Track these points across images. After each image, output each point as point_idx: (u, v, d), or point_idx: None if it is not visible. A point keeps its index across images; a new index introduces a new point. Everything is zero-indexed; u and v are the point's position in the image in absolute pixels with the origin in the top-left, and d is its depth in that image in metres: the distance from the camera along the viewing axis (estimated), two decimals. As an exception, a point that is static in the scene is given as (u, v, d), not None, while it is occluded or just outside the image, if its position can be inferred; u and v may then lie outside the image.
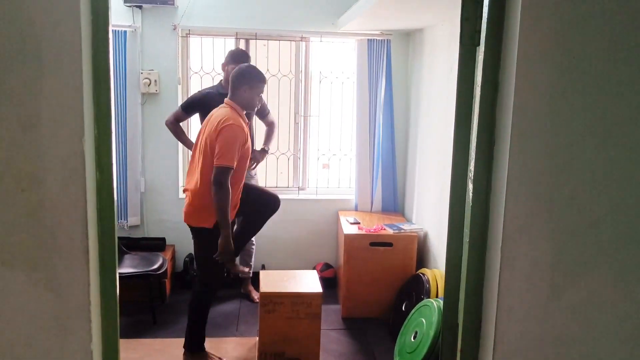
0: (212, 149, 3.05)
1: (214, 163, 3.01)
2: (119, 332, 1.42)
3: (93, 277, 1.30)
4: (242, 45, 4.48)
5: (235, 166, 3.03)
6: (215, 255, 3.09)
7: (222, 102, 3.42)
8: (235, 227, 3.49)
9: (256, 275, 3.91)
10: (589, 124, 1.28)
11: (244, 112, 3.21)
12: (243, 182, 3.24)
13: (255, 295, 4.15)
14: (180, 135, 3.96)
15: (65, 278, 1.27)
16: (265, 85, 3.26)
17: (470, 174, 1.39)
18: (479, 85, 1.34)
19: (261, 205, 3.45)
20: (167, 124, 3.92)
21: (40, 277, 1.27)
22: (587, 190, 1.31)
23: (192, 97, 3.95)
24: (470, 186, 1.39)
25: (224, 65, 3.92)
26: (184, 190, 3.28)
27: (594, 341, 1.35)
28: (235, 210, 3.24)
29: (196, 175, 3.14)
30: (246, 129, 3.15)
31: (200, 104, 3.80)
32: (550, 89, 1.26)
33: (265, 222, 3.52)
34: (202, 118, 3.73)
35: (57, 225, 1.25)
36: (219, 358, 3.35)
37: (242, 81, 3.15)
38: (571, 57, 1.26)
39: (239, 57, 3.82)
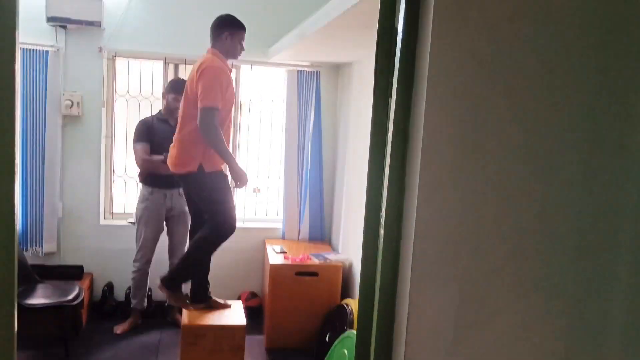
0: (195, 94, 2.99)
1: (198, 105, 2.94)
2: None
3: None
4: (171, 70, 4.43)
5: (220, 107, 2.98)
6: (235, 186, 3.12)
7: (165, 127, 3.68)
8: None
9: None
10: (492, 177, 1.35)
11: (228, 60, 3.17)
12: (230, 130, 3.26)
13: None
14: (157, 165, 3.73)
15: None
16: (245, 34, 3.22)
17: (382, 220, 1.42)
18: (391, 136, 1.38)
19: (210, 226, 3.14)
20: (143, 167, 3.85)
21: None
22: (490, 238, 1.37)
23: (137, 129, 3.92)
24: (382, 232, 1.42)
25: (164, 94, 4.01)
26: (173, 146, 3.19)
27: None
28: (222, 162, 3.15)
29: (182, 128, 3.11)
30: (229, 74, 3.11)
31: (145, 131, 3.86)
32: (456, 142, 1.32)
33: (210, 253, 3.27)
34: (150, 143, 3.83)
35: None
36: (224, 301, 3.35)
37: (223, 28, 3.12)
38: (476, 114, 1.33)
39: (178, 85, 3.89)
